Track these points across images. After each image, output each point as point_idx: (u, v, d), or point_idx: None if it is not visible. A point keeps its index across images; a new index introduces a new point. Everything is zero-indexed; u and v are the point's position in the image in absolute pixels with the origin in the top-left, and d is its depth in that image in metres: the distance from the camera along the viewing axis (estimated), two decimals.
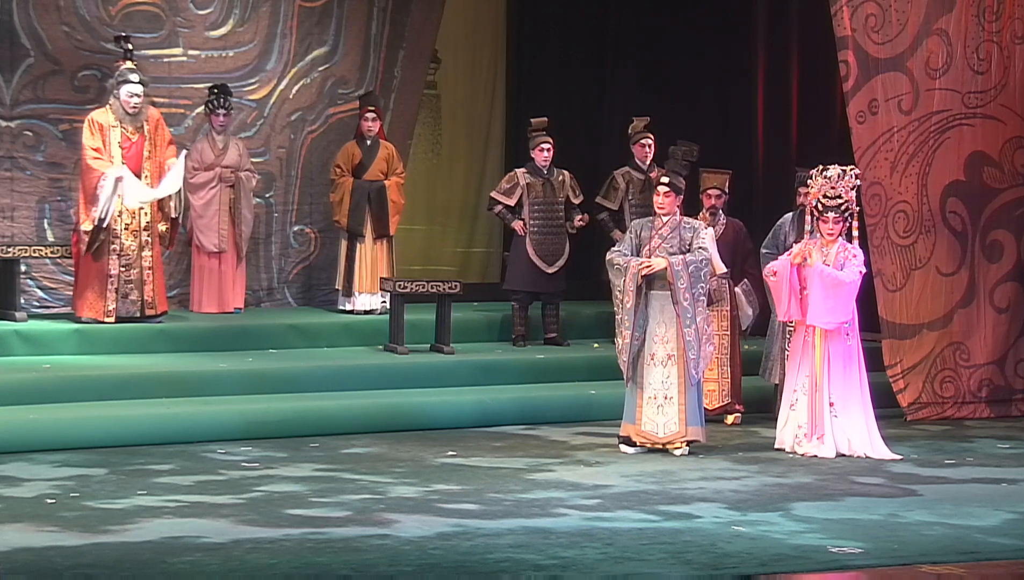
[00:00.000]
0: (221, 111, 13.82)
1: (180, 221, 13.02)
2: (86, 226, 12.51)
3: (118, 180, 12.48)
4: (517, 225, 13.94)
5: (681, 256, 10.76)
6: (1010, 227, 13.27)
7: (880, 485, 10.04)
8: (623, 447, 10.98)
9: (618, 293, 10.90)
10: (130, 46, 12.99)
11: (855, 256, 11.14)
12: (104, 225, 12.50)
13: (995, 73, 13.09)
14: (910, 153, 12.86)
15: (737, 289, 12.40)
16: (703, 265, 10.80)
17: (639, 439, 10.91)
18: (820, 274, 11.01)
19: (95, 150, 12.55)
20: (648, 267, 10.74)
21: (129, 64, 12.82)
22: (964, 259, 13.09)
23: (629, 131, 14.38)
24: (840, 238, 11.17)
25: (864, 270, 11.28)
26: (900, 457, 11.04)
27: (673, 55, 16.55)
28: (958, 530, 8.74)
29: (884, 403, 12.17)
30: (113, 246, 12.60)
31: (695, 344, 10.75)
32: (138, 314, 12.71)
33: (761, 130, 16.15)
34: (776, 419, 11.54)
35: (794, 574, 7.90)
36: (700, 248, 10.84)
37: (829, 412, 11.05)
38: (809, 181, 11.36)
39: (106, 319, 12.61)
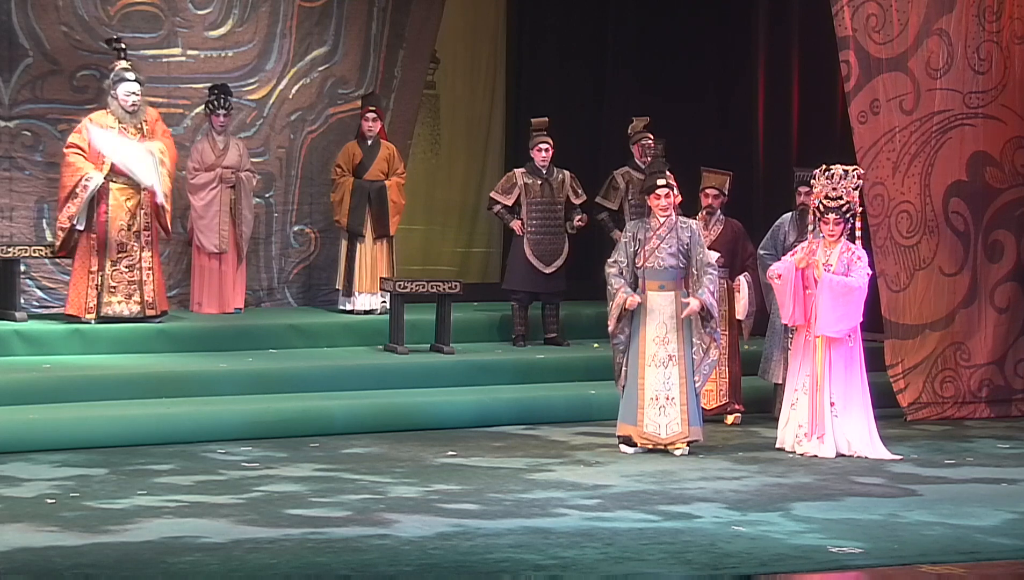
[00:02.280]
0: (221, 111, 13.81)
1: (166, 205, 12.74)
2: (63, 222, 12.52)
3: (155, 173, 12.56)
4: (515, 225, 13.94)
5: (707, 292, 10.81)
6: (1010, 227, 13.27)
7: (880, 485, 10.04)
8: (623, 447, 10.98)
9: (608, 309, 10.97)
10: (123, 45, 13.00)
11: (859, 258, 11.12)
12: (79, 228, 12.50)
13: (995, 73, 13.09)
14: (912, 153, 12.85)
15: (741, 278, 12.31)
16: (717, 282, 10.99)
17: (641, 441, 10.91)
18: (829, 284, 10.99)
19: (77, 147, 12.55)
20: (689, 310, 10.79)
21: (124, 63, 12.82)
22: (966, 259, 13.09)
23: (629, 131, 14.38)
24: (842, 239, 11.17)
25: (871, 272, 11.28)
26: (900, 457, 11.04)
27: (673, 55, 16.55)
28: (958, 530, 8.74)
29: (884, 403, 12.17)
30: (104, 243, 12.57)
31: (715, 365, 11.13)
32: (140, 315, 12.70)
33: (761, 130, 16.14)
34: (776, 419, 11.56)
35: (794, 574, 7.90)
36: (708, 265, 10.86)
37: (830, 412, 11.05)
38: (812, 181, 11.35)
39: (86, 316, 12.58)
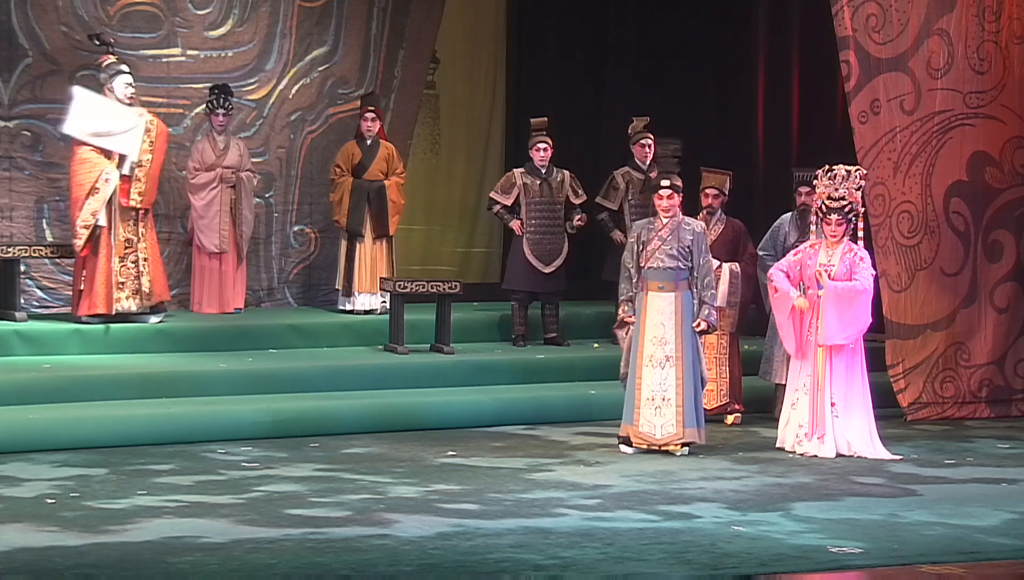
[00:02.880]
0: (220, 111, 13.79)
1: (130, 175, 12.62)
2: (87, 220, 12.44)
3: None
4: (515, 225, 13.94)
5: (710, 308, 10.85)
6: (1010, 227, 13.27)
7: (880, 485, 10.04)
8: (623, 447, 10.97)
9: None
10: (111, 40, 13.03)
11: (862, 259, 11.10)
12: (102, 225, 12.49)
13: (995, 73, 13.09)
14: (913, 153, 12.85)
15: (725, 266, 12.25)
16: (715, 293, 11.05)
17: (636, 440, 10.91)
18: (835, 292, 10.95)
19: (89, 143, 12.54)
20: (698, 330, 10.86)
21: (113, 58, 12.83)
22: (967, 259, 13.09)
23: (629, 131, 14.36)
24: (845, 239, 11.15)
25: (874, 272, 11.27)
26: (900, 457, 11.03)
27: (673, 55, 16.54)
28: (958, 530, 8.74)
29: (884, 403, 12.17)
30: (114, 239, 12.56)
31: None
32: (144, 309, 12.68)
33: (761, 130, 16.14)
34: (777, 419, 11.56)
35: (794, 574, 7.90)
36: (708, 277, 10.89)
37: (830, 412, 11.04)
38: (815, 181, 11.33)
39: (110, 311, 12.57)
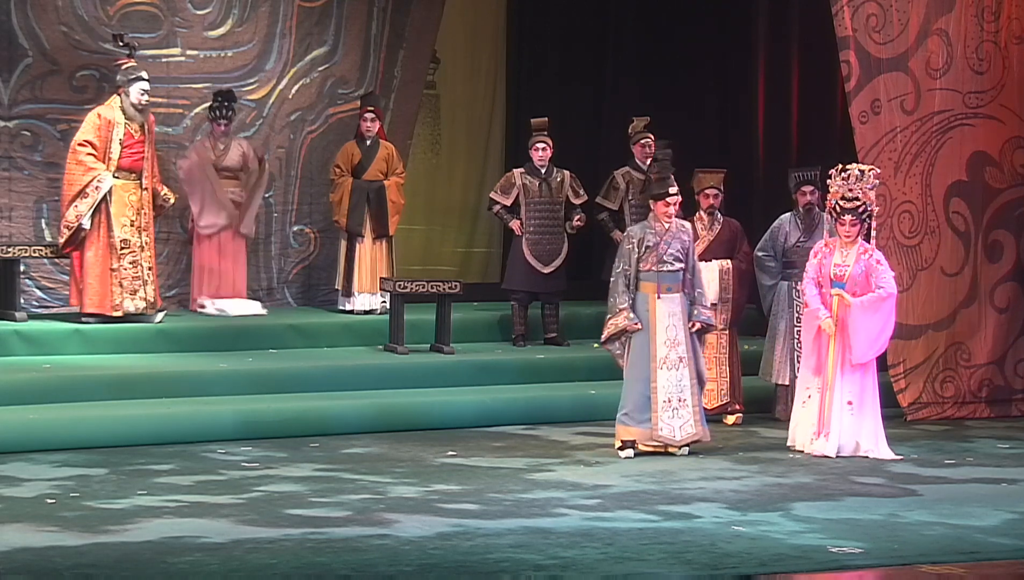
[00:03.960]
0: (223, 121, 13.79)
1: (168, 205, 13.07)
2: (71, 221, 12.46)
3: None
4: (514, 225, 13.94)
5: (706, 311, 10.84)
6: (1010, 227, 13.27)
7: (880, 485, 10.04)
8: (623, 454, 10.85)
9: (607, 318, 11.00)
10: (136, 44, 13.05)
11: (879, 262, 11.06)
12: (86, 227, 12.49)
13: (994, 73, 13.09)
14: (913, 153, 12.85)
15: (716, 263, 12.24)
16: (702, 292, 11.02)
17: (647, 444, 10.81)
18: (860, 306, 10.93)
19: (91, 145, 12.52)
20: (694, 327, 10.86)
21: (133, 62, 12.84)
22: (967, 259, 13.09)
23: (629, 131, 14.37)
24: (859, 239, 11.12)
25: (894, 273, 11.26)
26: (901, 457, 11.04)
27: (673, 54, 16.54)
28: (958, 530, 8.74)
29: (884, 403, 12.11)
30: (111, 240, 12.57)
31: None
32: (145, 311, 12.69)
33: (761, 130, 16.13)
34: (776, 419, 11.56)
35: (794, 574, 7.91)
36: (699, 277, 10.92)
37: (846, 410, 10.98)
38: (828, 181, 11.29)
39: (113, 313, 12.57)
